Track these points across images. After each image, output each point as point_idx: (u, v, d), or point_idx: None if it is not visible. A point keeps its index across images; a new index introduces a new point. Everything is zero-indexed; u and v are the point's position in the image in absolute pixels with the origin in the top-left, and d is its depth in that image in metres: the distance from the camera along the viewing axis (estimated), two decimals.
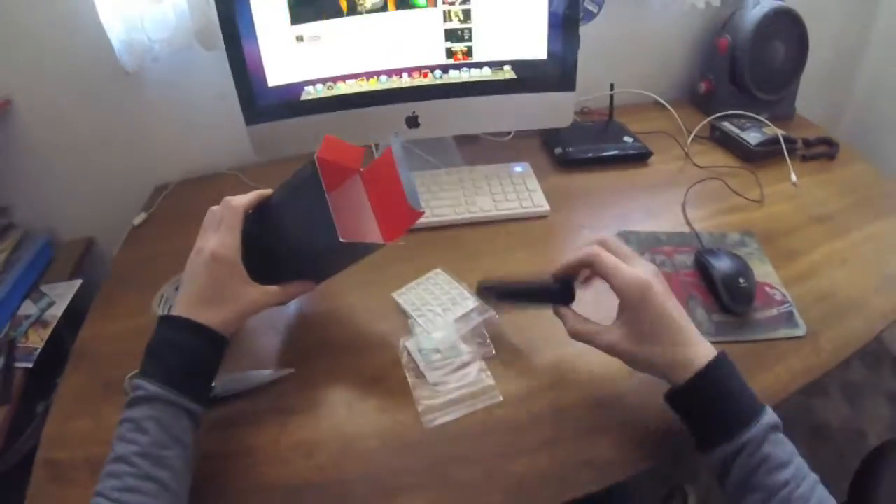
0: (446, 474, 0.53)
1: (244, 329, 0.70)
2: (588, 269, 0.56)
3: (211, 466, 0.54)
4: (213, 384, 0.55)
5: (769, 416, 0.47)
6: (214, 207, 0.59)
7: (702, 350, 0.50)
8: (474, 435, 0.56)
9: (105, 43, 0.88)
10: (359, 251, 0.58)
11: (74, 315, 0.91)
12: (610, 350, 0.53)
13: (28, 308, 0.92)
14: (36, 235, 1.04)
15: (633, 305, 0.51)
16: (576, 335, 0.56)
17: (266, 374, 0.63)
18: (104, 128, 1.02)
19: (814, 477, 0.46)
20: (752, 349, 0.64)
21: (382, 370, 0.63)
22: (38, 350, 0.85)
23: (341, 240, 0.52)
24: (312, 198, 0.54)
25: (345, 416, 0.59)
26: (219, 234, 0.55)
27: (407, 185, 0.58)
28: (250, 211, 0.58)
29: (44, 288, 0.96)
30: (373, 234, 0.59)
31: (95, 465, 0.54)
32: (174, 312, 0.53)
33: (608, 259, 0.52)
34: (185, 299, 0.54)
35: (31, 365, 0.83)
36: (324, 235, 0.53)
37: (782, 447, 0.47)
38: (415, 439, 0.56)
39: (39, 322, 0.90)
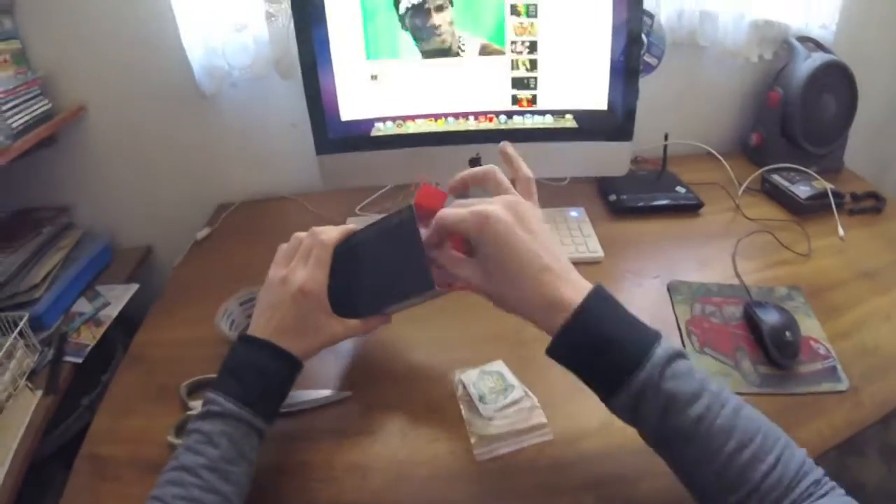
0: None
1: None
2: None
3: (265, 479, 0.55)
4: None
5: (663, 349, 0.43)
6: (301, 234, 0.59)
7: (571, 290, 0.45)
8: (523, 471, 0.57)
9: (185, 65, 0.92)
10: (438, 294, 0.58)
11: (126, 319, 0.95)
12: (469, 285, 0.50)
13: (82, 306, 0.97)
14: (96, 237, 1.09)
15: (477, 238, 0.47)
16: (439, 264, 0.52)
17: (325, 394, 0.65)
18: (175, 144, 1.07)
19: (734, 401, 0.42)
20: (796, 402, 0.64)
21: (437, 401, 0.64)
22: (90, 347, 0.88)
23: (436, 288, 0.53)
24: (405, 242, 0.54)
25: (398, 443, 0.60)
26: (308, 268, 0.56)
27: None
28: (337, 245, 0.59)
29: (100, 288, 1.01)
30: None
31: (141, 464, 0.58)
32: (252, 334, 0.55)
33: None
34: (268, 325, 0.55)
35: (80, 360, 0.87)
36: (414, 280, 0.54)
37: (687, 379, 0.42)
38: (465, 471, 0.57)
39: (93, 320, 0.94)
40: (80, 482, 0.58)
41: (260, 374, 0.53)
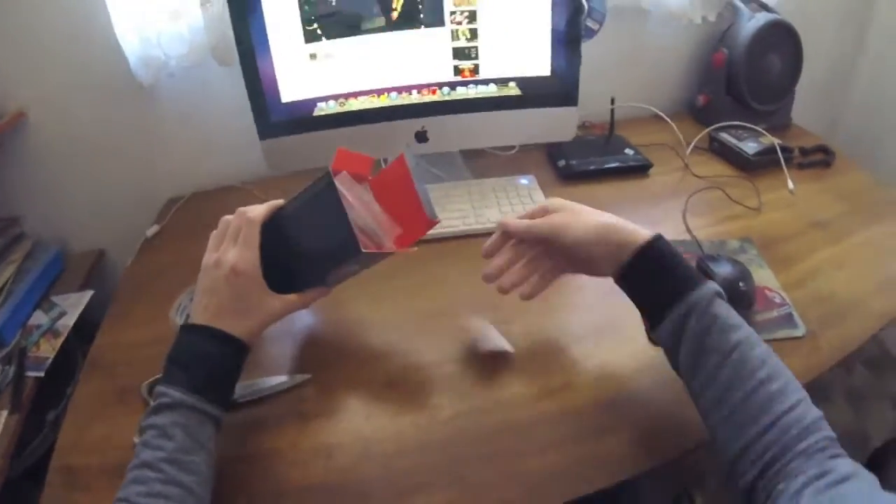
0: (462, 474, 0.55)
1: (265, 334, 0.72)
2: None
3: (231, 469, 0.55)
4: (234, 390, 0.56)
5: (713, 284, 0.50)
6: (228, 217, 0.60)
7: (641, 232, 0.53)
8: (488, 435, 0.58)
9: (120, 57, 0.90)
10: (373, 258, 0.59)
11: (84, 326, 0.93)
12: (548, 231, 0.58)
13: (39, 318, 0.94)
14: (47, 246, 1.05)
15: (556, 241, 0.56)
16: (515, 231, 0.60)
17: (283, 379, 0.65)
18: (117, 141, 1.04)
19: (767, 346, 0.48)
20: None
21: (396, 376, 0.65)
22: (50, 359, 0.86)
23: (363, 250, 0.54)
24: (329, 209, 0.55)
25: (362, 420, 0.61)
26: (238, 247, 0.56)
27: (422, 195, 0.60)
28: (265, 222, 0.59)
29: (55, 298, 0.98)
30: (386, 242, 0.61)
31: (111, 471, 0.57)
32: (193, 321, 0.55)
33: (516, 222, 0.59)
34: (206, 310, 0.55)
35: (42, 374, 0.84)
36: (343, 245, 0.55)
37: (730, 312, 0.49)
38: (431, 441, 0.58)
39: (51, 332, 0.91)
40: (53, 496, 0.57)
41: (204, 360, 0.52)
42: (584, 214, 0.57)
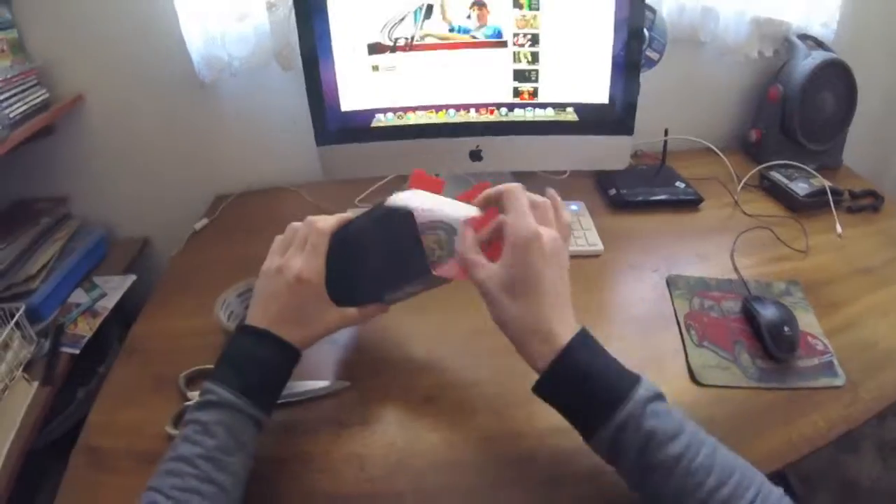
0: (493, 497, 0.55)
1: None
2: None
3: (264, 469, 0.55)
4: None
5: (645, 388, 0.45)
6: (296, 224, 0.59)
7: (565, 328, 0.47)
8: (523, 460, 0.58)
9: (184, 54, 0.92)
10: (437, 282, 0.58)
11: (123, 310, 0.95)
12: (480, 287, 0.50)
13: (79, 297, 0.96)
14: (92, 228, 1.08)
15: (516, 250, 0.48)
16: (462, 259, 0.52)
17: (324, 385, 0.65)
18: (172, 134, 1.06)
19: (711, 441, 0.44)
20: (793, 396, 0.65)
21: (435, 391, 0.65)
22: (87, 338, 0.88)
23: (434, 273, 0.54)
24: (401, 230, 0.55)
25: (396, 432, 0.61)
26: (304, 256, 0.56)
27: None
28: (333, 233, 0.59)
29: (96, 279, 1.00)
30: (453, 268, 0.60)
31: (138, 455, 0.58)
32: (250, 323, 0.55)
33: (521, 200, 0.50)
34: (265, 314, 0.55)
35: (77, 351, 0.86)
36: (411, 266, 0.55)
37: (666, 418, 0.44)
38: (463, 461, 0.58)
39: (90, 311, 0.93)
40: (77, 474, 0.58)
41: (258, 364, 0.53)
42: (551, 266, 0.49)
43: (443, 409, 0.63)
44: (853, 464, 1.06)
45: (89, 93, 1.01)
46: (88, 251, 1.04)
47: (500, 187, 0.53)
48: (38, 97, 0.93)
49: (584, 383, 0.46)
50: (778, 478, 0.46)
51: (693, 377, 0.66)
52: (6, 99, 0.86)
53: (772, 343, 0.69)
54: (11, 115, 0.87)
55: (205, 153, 1.09)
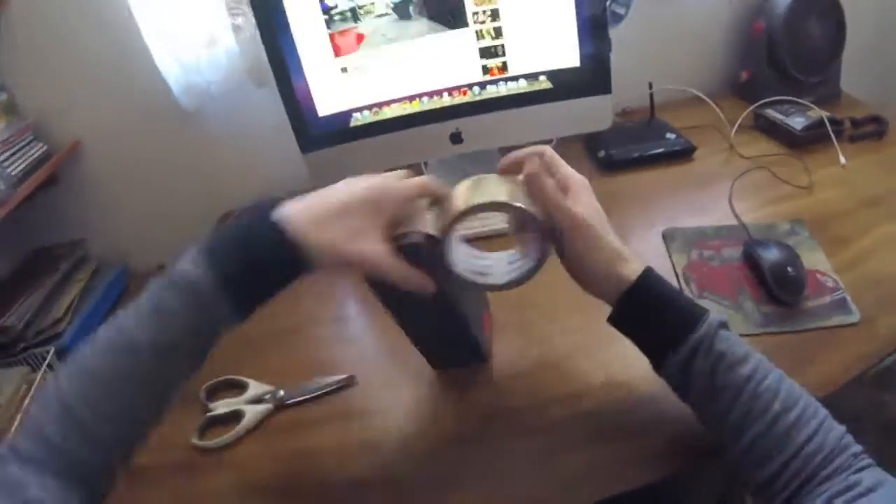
0: (501, 469, 0.56)
1: (311, 338, 0.76)
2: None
3: (279, 466, 0.58)
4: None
5: (713, 317, 0.47)
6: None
7: (635, 258, 0.49)
8: (524, 432, 0.59)
9: (163, 85, 0.94)
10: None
11: None
12: (581, 221, 0.48)
13: None
14: (110, 265, 1.11)
15: (584, 191, 0.50)
16: (555, 206, 0.48)
17: (331, 380, 0.68)
18: (169, 162, 1.09)
19: (778, 370, 0.46)
20: (806, 338, 0.63)
21: (440, 378, 0.66)
22: None
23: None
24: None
25: (405, 419, 0.63)
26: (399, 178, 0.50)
27: None
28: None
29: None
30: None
31: (168, 469, 0.61)
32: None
33: (552, 154, 0.51)
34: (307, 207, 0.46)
35: None
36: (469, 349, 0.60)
37: (736, 343, 0.46)
38: (467, 437, 0.59)
39: None
40: (116, 496, 0.59)
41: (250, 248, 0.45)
42: (598, 228, 0.49)
43: (445, 390, 0.65)
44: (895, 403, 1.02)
45: (85, 137, 1.05)
46: (109, 286, 1.07)
47: (521, 152, 0.52)
48: (37, 151, 0.97)
49: (661, 307, 0.48)
50: None
51: None
52: (6, 159, 0.90)
53: (776, 286, 0.68)
54: (13, 174, 0.90)
55: (202, 176, 1.12)
